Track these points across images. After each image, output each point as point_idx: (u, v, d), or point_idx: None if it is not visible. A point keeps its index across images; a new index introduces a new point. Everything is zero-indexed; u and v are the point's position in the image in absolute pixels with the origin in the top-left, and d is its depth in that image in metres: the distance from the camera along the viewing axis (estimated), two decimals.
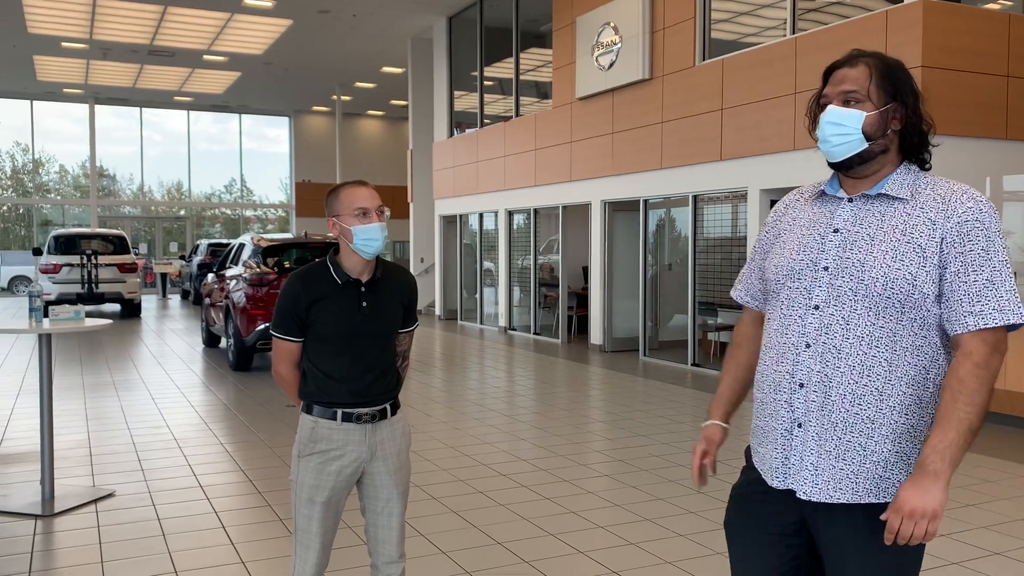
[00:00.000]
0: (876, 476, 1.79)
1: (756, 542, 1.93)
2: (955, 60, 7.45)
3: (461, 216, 16.18)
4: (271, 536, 4.24)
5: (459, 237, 16.30)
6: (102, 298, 16.01)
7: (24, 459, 5.76)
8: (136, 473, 5.39)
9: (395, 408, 2.72)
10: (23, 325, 4.59)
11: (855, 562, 1.79)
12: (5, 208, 28.85)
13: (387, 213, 2.60)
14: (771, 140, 8.65)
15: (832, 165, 1.88)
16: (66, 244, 16.04)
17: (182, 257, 24.05)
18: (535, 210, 13.57)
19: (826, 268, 1.83)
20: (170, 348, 11.82)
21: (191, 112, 28.54)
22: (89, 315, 15.39)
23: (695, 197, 9.98)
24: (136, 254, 17.47)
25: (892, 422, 1.78)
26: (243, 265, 9.95)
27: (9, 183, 28.43)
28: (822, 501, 1.81)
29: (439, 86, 16.65)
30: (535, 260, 13.60)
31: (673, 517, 4.54)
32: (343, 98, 24.56)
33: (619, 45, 10.93)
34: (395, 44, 18.36)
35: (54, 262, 15.71)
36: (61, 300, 15.08)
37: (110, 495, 4.90)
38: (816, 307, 1.83)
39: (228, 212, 31.16)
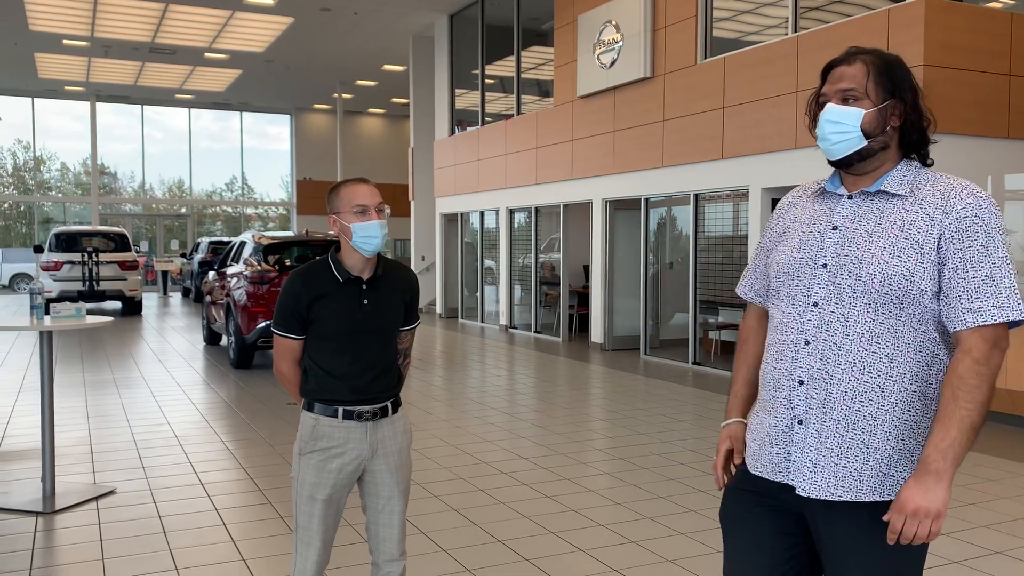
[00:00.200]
0: (880, 474, 1.78)
1: (754, 535, 1.92)
2: (957, 59, 7.44)
3: (462, 214, 16.18)
4: (272, 533, 4.24)
5: (460, 235, 16.30)
6: (103, 296, 16.01)
7: (25, 456, 5.77)
8: (137, 470, 5.40)
9: (396, 406, 2.71)
10: (24, 322, 4.60)
11: (856, 561, 1.77)
12: (6, 205, 28.86)
13: (387, 211, 2.60)
14: (772, 139, 8.65)
15: (832, 163, 1.88)
16: (67, 242, 16.04)
17: (183, 255, 24.06)
18: (536, 208, 13.57)
19: (825, 265, 1.83)
20: (171, 346, 11.83)
21: (192, 110, 28.55)
22: (90, 312, 15.41)
23: (696, 196, 9.98)
24: (137, 252, 17.47)
25: (894, 418, 1.77)
26: (244, 263, 9.95)
27: (10, 180, 28.44)
28: (822, 498, 1.80)
29: (440, 84, 16.64)
30: (536, 258, 13.60)
31: (674, 515, 4.54)
32: (344, 96, 24.56)
33: (620, 43, 10.92)
34: (396, 42, 18.36)
35: (55, 259, 15.71)
36: (62, 297, 15.09)
37: (111, 492, 4.90)
38: (815, 304, 1.82)
39: (229, 210, 31.17)
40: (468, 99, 16.07)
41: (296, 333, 2.62)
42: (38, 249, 17.11)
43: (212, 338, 11.85)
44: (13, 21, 17.25)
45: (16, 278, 25.29)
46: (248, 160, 30.04)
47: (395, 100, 25.97)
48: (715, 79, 9.48)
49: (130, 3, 16.03)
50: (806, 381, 1.82)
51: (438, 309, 17.07)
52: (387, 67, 21.02)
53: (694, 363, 10.04)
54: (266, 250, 9.83)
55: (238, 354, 9.65)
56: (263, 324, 9.21)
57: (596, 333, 11.99)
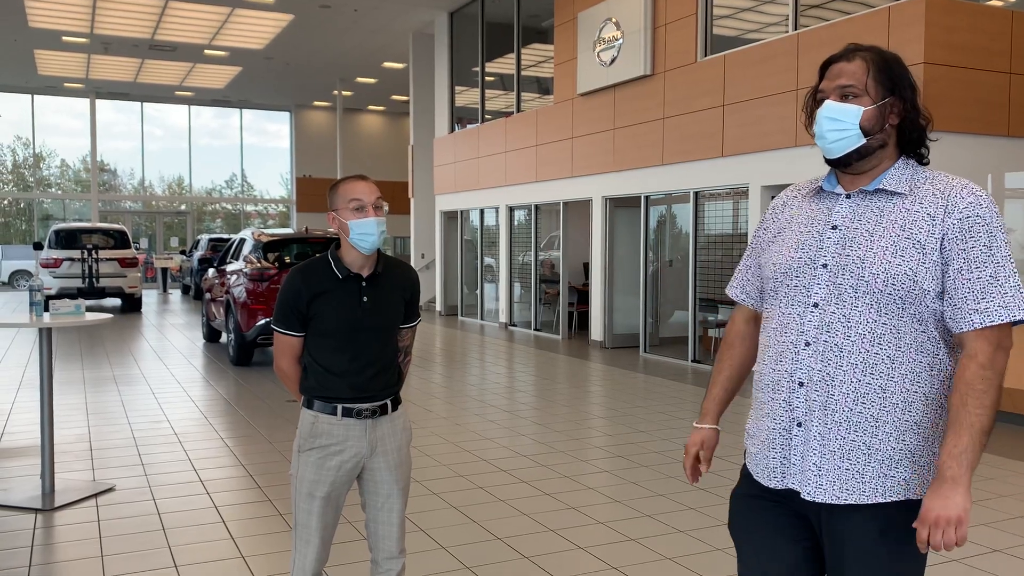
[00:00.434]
0: (881, 475, 1.76)
1: (768, 541, 1.90)
2: (957, 57, 7.43)
3: (462, 212, 16.17)
4: (271, 531, 4.24)
5: (460, 233, 16.29)
6: (103, 292, 16.00)
7: (24, 453, 5.77)
8: (136, 467, 5.40)
9: (396, 404, 2.71)
10: (23, 319, 4.59)
11: (858, 563, 1.76)
12: (6, 202, 28.86)
13: (385, 208, 2.59)
14: (772, 136, 8.64)
15: (829, 162, 1.86)
16: (67, 238, 16.03)
17: (183, 252, 24.05)
18: (536, 206, 13.57)
19: (825, 265, 1.80)
20: (171, 343, 11.82)
21: (192, 107, 28.53)
22: (90, 309, 15.41)
23: (696, 193, 9.98)
24: (137, 249, 17.46)
25: (896, 419, 1.75)
26: (244, 260, 9.95)
27: (10, 177, 28.43)
28: (827, 502, 1.78)
29: (440, 81, 16.63)
30: (536, 256, 13.60)
31: (673, 513, 4.54)
32: (344, 93, 24.54)
33: (621, 41, 10.91)
34: (396, 39, 18.34)
35: (55, 256, 15.70)
36: (62, 294, 15.09)
37: (110, 489, 4.90)
38: (815, 305, 1.80)
39: (229, 207, 31.16)
40: (468, 96, 16.06)
41: (296, 330, 2.62)
42: (38, 246, 17.11)
43: (212, 335, 11.84)
44: (13, 18, 17.23)
45: (16, 275, 25.29)
46: (248, 157, 30.04)
47: (395, 97, 25.95)
48: (715, 77, 9.47)
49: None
50: (806, 383, 1.79)
51: (438, 307, 17.07)
52: (387, 64, 21.00)
53: (693, 361, 10.04)
54: (266, 247, 9.83)
55: (238, 351, 9.65)
56: (263, 321, 9.20)
57: (596, 331, 11.99)
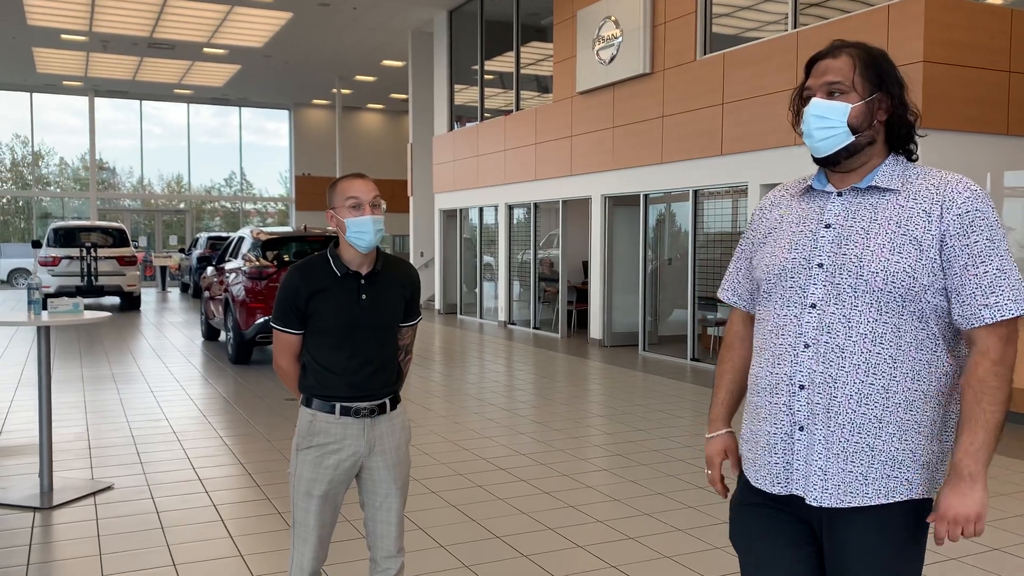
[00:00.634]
0: (884, 476, 1.74)
1: (772, 551, 1.86)
2: (957, 55, 7.43)
3: (461, 210, 16.16)
4: (270, 529, 4.24)
5: (459, 231, 16.29)
6: (101, 291, 15.99)
7: (23, 451, 5.76)
8: (135, 466, 5.39)
9: (395, 403, 2.71)
10: (22, 318, 4.58)
11: (859, 565, 1.75)
12: (5, 200, 28.83)
13: (383, 206, 2.59)
14: (771, 135, 8.63)
15: (818, 161, 1.82)
16: (65, 237, 16.01)
17: (181, 250, 24.03)
18: (535, 204, 13.56)
19: (820, 265, 1.77)
20: (169, 341, 11.82)
21: (191, 105, 28.51)
22: (88, 308, 15.40)
23: (695, 192, 9.97)
24: (136, 247, 17.44)
25: (898, 419, 1.73)
26: (242, 258, 9.94)
27: (9, 175, 28.40)
28: (833, 506, 1.76)
29: (439, 80, 16.62)
30: (535, 254, 13.59)
31: (672, 512, 4.54)
32: (343, 91, 24.52)
33: (620, 39, 10.90)
34: (395, 37, 18.33)
35: (53, 255, 15.68)
36: (60, 293, 15.07)
37: (109, 488, 4.90)
38: (813, 305, 1.77)
39: (228, 205, 31.14)
40: (467, 95, 16.05)
41: (294, 328, 2.61)
42: (36, 244, 17.08)
43: (210, 334, 11.83)
44: (11, 15, 17.21)
45: (14, 273, 25.27)
46: (247, 156, 30.02)
47: (394, 96, 25.94)
48: (714, 75, 9.47)
49: None
50: (807, 385, 1.76)
51: (437, 305, 17.06)
52: (386, 63, 20.98)
53: (693, 359, 10.04)
54: (264, 246, 9.82)
55: (236, 350, 9.64)
56: (261, 320, 9.20)
57: (595, 329, 11.99)
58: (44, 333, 4.67)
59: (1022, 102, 7.85)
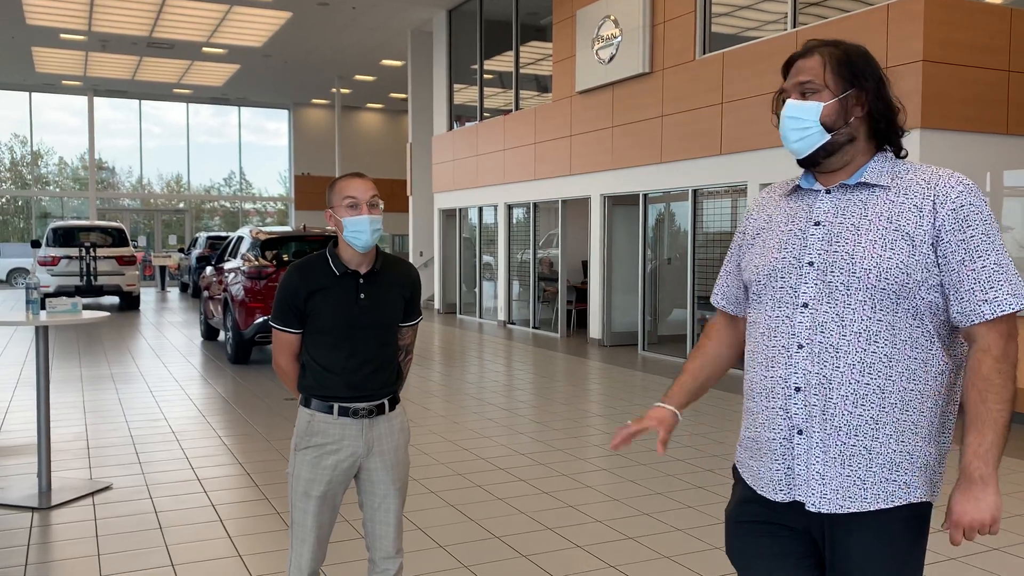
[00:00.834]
0: (883, 480, 1.70)
1: (776, 564, 1.81)
2: (956, 54, 7.42)
3: (460, 210, 16.16)
4: (269, 529, 4.23)
5: (458, 231, 16.28)
6: (101, 291, 15.98)
7: (21, 451, 5.75)
8: (134, 466, 5.38)
9: (394, 403, 2.70)
10: (20, 317, 4.58)
11: (861, 572, 1.71)
12: (4, 200, 28.82)
13: (380, 206, 2.58)
14: (771, 134, 8.63)
15: (800, 162, 1.80)
16: (65, 236, 16.00)
17: (181, 250, 24.02)
18: (534, 204, 13.55)
19: (811, 263, 1.73)
20: (168, 341, 11.81)
21: (190, 104, 28.49)
22: (87, 307, 15.39)
23: (695, 191, 9.97)
24: (135, 247, 17.43)
25: (895, 420, 1.70)
26: (242, 258, 9.93)
27: (8, 175, 28.39)
28: (832, 512, 1.72)
29: (439, 79, 16.61)
30: (534, 254, 13.59)
31: (671, 512, 4.54)
32: (342, 91, 24.51)
33: (619, 38, 10.89)
34: (395, 37, 18.32)
35: (52, 254, 15.67)
36: (59, 292, 15.06)
37: (107, 488, 4.89)
38: (805, 305, 1.73)
39: (227, 205, 31.13)
40: (466, 94, 16.04)
41: (293, 327, 2.61)
42: (36, 244, 17.07)
43: (210, 333, 11.83)
44: (10, 15, 17.19)
45: (14, 273, 25.26)
46: (246, 155, 30.01)
47: (393, 95, 25.93)
48: (714, 75, 9.46)
49: None
50: (803, 388, 1.72)
51: (436, 305, 17.06)
52: (385, 62, 20.98)
53: None
54: (263, 245, 9.82)
55: (236, 349, 9.64)
56: (260, 319, 9.19)
57: (594, 329, 11.98)
58: (42, 333, 4.66)
59: (1021, 101, 7.84)
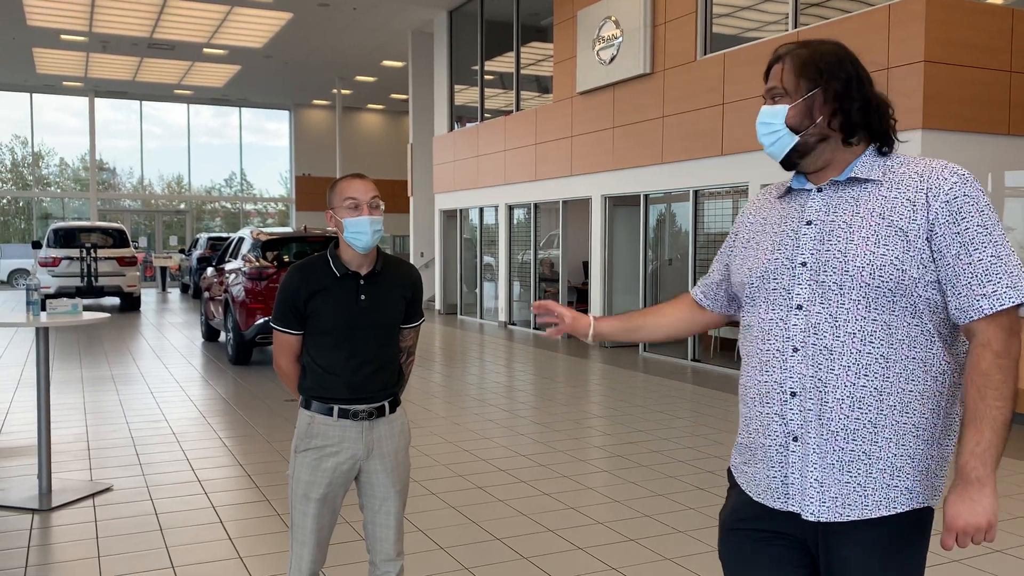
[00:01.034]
0: (883, 486, 1.65)
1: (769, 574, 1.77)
2: (958, 55, 7.41)
3: (461, 210, 16.15)
4: (269, 531, 4.22)
5: (459, 231, 16.27)
6: (101, 291, 15.98)
7: (22, 453, 5.75)
8: (134, 467, 5.38)
9: (394, 406, 2.69)
10: (21, 318, 4.57)
11: None
12: (5, 201, 28.83)
13: (381, 207, 2.58)
14: None
15: (781, 166, 1.81)
16: (65, 237, 16.00)
17: (182, 251, 24.02)
18: (535, 205, 13.55)
19: (804, 264, 1.70)
20: (169, 342, 11.80)
21: (191, 105, 28.50)
22: (88, 308, 15.39)
23: (696, 192, 9.96)
24: (136, 247, 17.43)
25: (894, 423, 1.64)
26: (242, 259, 9.93)
27: (9, 176, 28.39)
28: (831, 520, 1.67)
29: (439, 80, 16.60)
30: (535, 255, 13.58)
31: (673, 513, 4.53)
32: (343, 92, 24.51)
33: (620, 39, 10.89)
34: (395, 38, 18.32)
35: (53, 255, 15.67)
36: (60, 293, 15.06)
37: (108, 489, 4.88)
38: (799, 307, 1.69)
39: (228, 206, 31.13)
40: (467, 95, 16.04)
41: (294, 328, 2.60)
42: (36, 245, 17.08)
43: (210, 334, 11.82)
44: (11, 16, 17.20)
45: (15, 274, 25.27)
46: (247, 156, 30.02)
47: (394, 96, 25.93)
48: (715, 75, 9.45)
49: None
50: (799, 392, 1.68)
51: (437, 305, 17.05)
52: (386, 63, 20.97)
53: (693, 360, 10.02)
54: (264, 246, 9.81)
55: (236, 350, 9.63)
56: (261, 320, 9.19)
57: None
58: (43, 334, 4.65)
59: (1023, 102, 7.83)
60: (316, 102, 28.29)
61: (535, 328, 13.55)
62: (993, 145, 7.73)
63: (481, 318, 15.32)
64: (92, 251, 15.81)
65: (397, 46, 18.94)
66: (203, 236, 20.49)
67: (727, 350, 10.11)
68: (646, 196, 10.91)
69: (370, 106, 28.55)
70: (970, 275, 1.60)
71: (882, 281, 1.62)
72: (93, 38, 18.99)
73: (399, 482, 2.67)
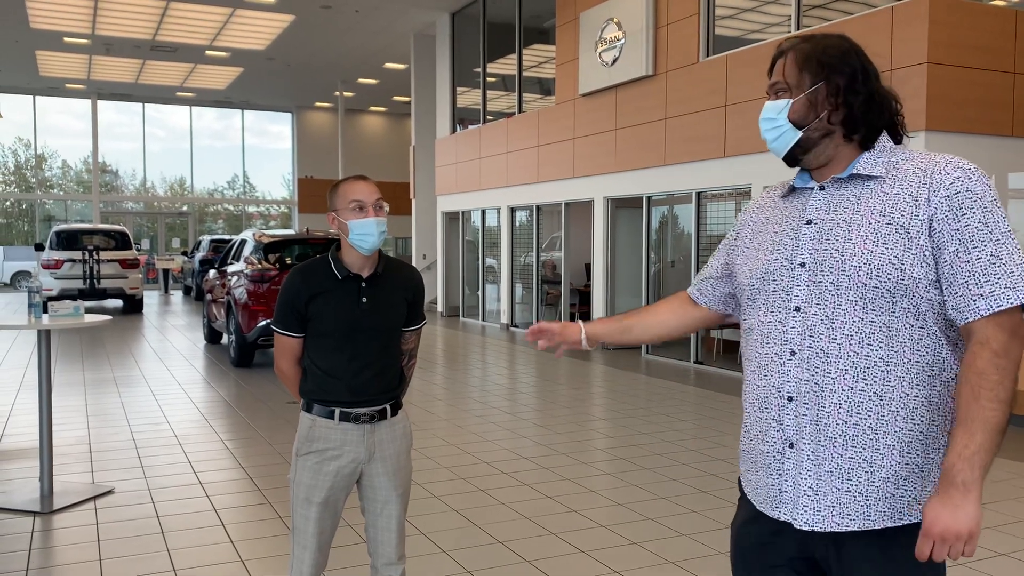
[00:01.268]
0: (888, 495, 1.57)
1: None
2: (961, 56, 7.40)
3: (463, 212, 16.15)
4: (270, 534, 4.21)
5: (461, 234, 16.27)
6: (104, 294, 16.00)
7: (24, 455, 5.74)
8: (136, 470, 5.37)
9: (396, 409, 2.68)
10: (22, 321, 4.57)
11: None
12: (8, 203, 28.86)
13: (386, 208, 2.57)
14: None
15: (784, 162, 1.75)
16: (68, 240, 16.02)
17: (184, 253, 24.04)
18: (538, 207, 13.54)
19: (803, 264, 1.64)
20: (172, 344, 11.80)
21: (194, 108, 28.53)
22: (90, 311, 15.40)
23: (698, 194, 9.94)
24: (138, 250, 17.45)
25: (897, 430, 1.57)
26: (245, 261, 9.93)
27: (12, 178, 28.43)
28: (827, 530, 1.60)
29: (442, 82, 16.61)
30: (537, 257, 13.57)
31: (675, 516, 4.51)
32: (346, 94, 24.53)
33: (622, 41, 10.88)
34: (398, 40, 18.33)
35: (56, 258, 15.69)
36: (63, 296, 15.07)
37: (109, 492, 4.87)
38: (796, 308, 1.64)
39: (230, 208, 31.15)
40: (469, 97, 16.04)
41: (295, 331, 2.59)
42: (39, 247, 17.10)
43: (213, 336, 11.82)
44: (14, 19, 17.22)
45: (18, 276, 25.29)
46: (249, 158, 30.04)
47: (396, 98, 25.95)
48: (717, 77, 9.44)
49: (131, 0, 16.00)
50: (796, 397, 1.62)
51: (439, 308, 17.04)
52: (388, 65, 20.99)
53: (696, 362, 10.00)
54: (266, 248, 9.81)
55: (238, 352, 9.62)
56: (263, 322, 9.18)
57: None
58: (44, 337, 4.65)
59: None
60: (318, 104, 28.32)
61: None
62: (997, 147, 7.71)
63: (483, 320, 15.31)
64: (95, 253, 15.83)
65: (399, 48, 18.96)
66: (205, 238, 20.51)
67: (730, 352, 10.09)
68: (648, 198, 10.90)
69: (372, 108, 28.57)
70: (967, 274, 1.52)
71: (880, 281, 1.56)
72: (96, 40, 19.02)
73: (400, 485, 2.66)
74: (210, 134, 30.55)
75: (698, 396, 8.06)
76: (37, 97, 26.55)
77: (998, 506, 4.68)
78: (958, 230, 1.53)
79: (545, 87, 13.67)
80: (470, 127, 15.80)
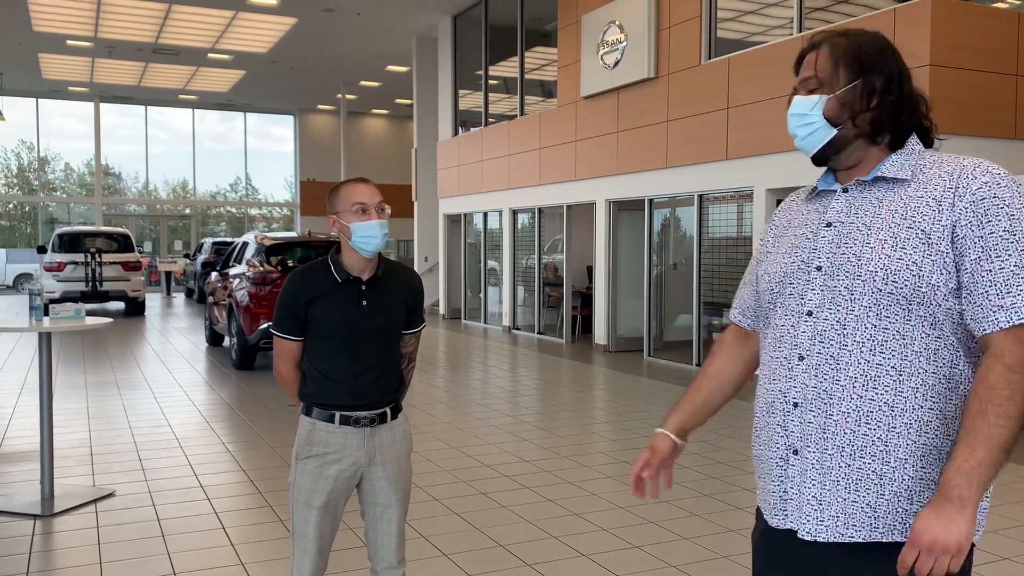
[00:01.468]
0: (899, 509, 1.52)
1: None
2: (964, 58, 7.38)
3: (465, 215, 16.14)
4: (271, 537, 4.20)
5: (463, 236, 16.27)
6: (106, 296, 16.01)
7: (25, 458, 5.74)
8: (137, 473, 5.36)
9: (396, 412, 2.67)
10: (23, 323, 4.56)
11: None
12: (11, 206, 28.90)
13: (388, 210, 2.56)
14: (777, 139, 8.59)
15: (813, 161, 1.68)
16: (70, 242, 16.04)
17: (186, 255, 24.06)
18: (539, 209, 13.53)
19: (819, 268, 1.60)
20: (173, 347, 11.80)
21: (196, 110, 28.57)
22: (93, 313, 15.41)
23: (700, 196, 9.93)
24: (140, 252, 17.46)
25: (909, 442, 1.51)
26: (246, 264, 9.93)
27: (15, 181, 28.48)
28: (831, 541, 1.56)
29: (444, 85, 16.61)
30: (539, 259, 13.56)
31: (678, 520, 4.50)
32: (348, 97, 24.55)
33: (624, 43, 10.87)
34: (400, 43, 18.34)
35: (58, 260, 15.70)
36: (65, 298, 15.09)
37: (110, 495, 4.87)
38: (809, 313, 1.59)
39: (233, 210, 31.18)
40: (471, 100, 16.04)
41: (294, 334, 2.59)
42: (42, 249, 17.12)
43: (214, 339, 11.82)
44: (17, 21, 17.26)
45: (20, 278, 25.32)
46: (252, 161, 30.07)
47: (399, 101, 25.96)
48: (719, 79, 9.43)
49: (133, 4, 16.02)
50: (802, 403, 1.58)
51: (441, 310, 17.04)
52: (390, 68, 21.00)
53: (698, 364, 9.99)
54: (268, 251, 9.81)
55: (240, 355, 9.62)
56: (265, 325, 9.18)
57: (599, 334, 11.94)
58: (45, 339, 4.65)
59: None
60: (321, 107, 28.35)
61: (539, 333, 13.53)
62: (1000, 149, 7.69)
63: (485, 323, 15.30)
64: (97, 256, 15.84)
65: (401, 51, 18.97)
66: (208, 241, 20.52)
67: None
68: (650, 200, 10.89)
69: (374, 111, 28.59)
70: (988, 283, 1.46)
71: (895, 287, 1.50)
72: (99, 43, 19.05)
73: (401, 489, 2.65)
74: (212, 137, 30.59)
75: None
76: (40, 100, 26.60)
77: (1001, 509, 4.67)
78: (982, 237, 1.47)
79: (547, 90, 13.66)
80: (472, 130, 15.80)
